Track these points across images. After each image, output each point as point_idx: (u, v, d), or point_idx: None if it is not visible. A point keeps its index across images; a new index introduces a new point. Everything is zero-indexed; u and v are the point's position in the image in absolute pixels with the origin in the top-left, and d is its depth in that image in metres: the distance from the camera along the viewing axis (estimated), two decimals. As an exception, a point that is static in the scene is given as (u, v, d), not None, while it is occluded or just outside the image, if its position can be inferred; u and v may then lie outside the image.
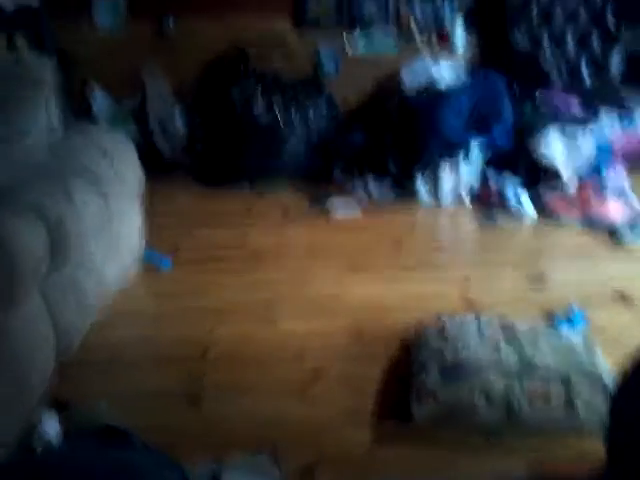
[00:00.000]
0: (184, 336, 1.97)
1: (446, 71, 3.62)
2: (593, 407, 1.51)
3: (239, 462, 1.33)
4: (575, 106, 3.33)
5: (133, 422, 1.44)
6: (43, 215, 1.72)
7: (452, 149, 3.23)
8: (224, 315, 2.10)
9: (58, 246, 1.72)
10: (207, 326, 2.02)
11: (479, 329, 1.79)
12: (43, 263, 1.65)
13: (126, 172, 2.36)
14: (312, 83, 3.68)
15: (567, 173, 3.11)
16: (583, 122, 3.20)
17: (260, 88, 3.53)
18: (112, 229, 2.23)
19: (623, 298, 2.23)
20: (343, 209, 3.13)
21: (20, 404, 1.54)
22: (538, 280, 2.39)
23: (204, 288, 2.30)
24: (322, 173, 3.53)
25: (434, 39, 3.90)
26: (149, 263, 2.46)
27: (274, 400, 1.66)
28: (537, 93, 3.43)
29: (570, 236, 2.85)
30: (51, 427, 1.49)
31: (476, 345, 1.70)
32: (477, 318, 1.88)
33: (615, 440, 0.80)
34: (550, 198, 3.08)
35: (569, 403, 1.51)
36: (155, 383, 1.73)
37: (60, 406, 1.58)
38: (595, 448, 1.48)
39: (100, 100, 3.97)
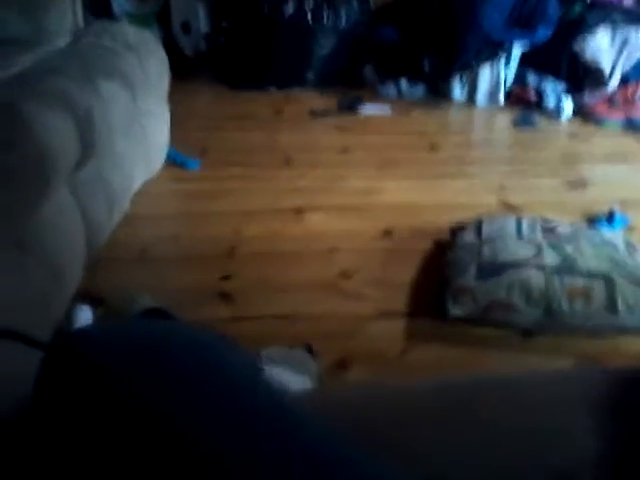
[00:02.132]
0: (212, 235, 1.94)
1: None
2: (635, 306, 1.47)
3: (276, 355, 1.32)
4: (629, 1, 3.11)
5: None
6: (71, 106, 1.66)
7: (493, 48, 3.06)
8: (252, 215, 2.07)
9: (86, 139, 1.67)
10: (235, 226, 1.98)
11: (518, 229, 1.74)
12: (72, 155, 1.62)
13: (153, 69, 2.28)
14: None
15: (613, 74, 2.95)
16: (637, 20, 3.00)
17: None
18: (140, 126, 2.18)
19: (666, 201, 2.15)
20: (374, 109, 3.03)
21: (55, 297, 1.54)
22: (578, 183, 2.30)
23: (232, 189, 2.25)
24: (353, 74, 3.40)
25: None
26: (176, 163, 2.42)
27: (305, 297, 1.64)
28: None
29: (611, 139, 2.74)
30: (87, 320, 1.50)
31: (515, 244, 1.65)
32: (516, 218, 1.81)
33: None
34: (592, 100, 2.93)
35: (610, 302, 1.47)
36: (185, 280, 1.72)
37: (93, 301, 1.58)
38: (637, 347, 1.46)
39: (121, 1, 3.83)
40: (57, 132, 1.52)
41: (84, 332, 0.55)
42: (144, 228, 1.98)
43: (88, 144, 1.69)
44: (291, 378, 1.22)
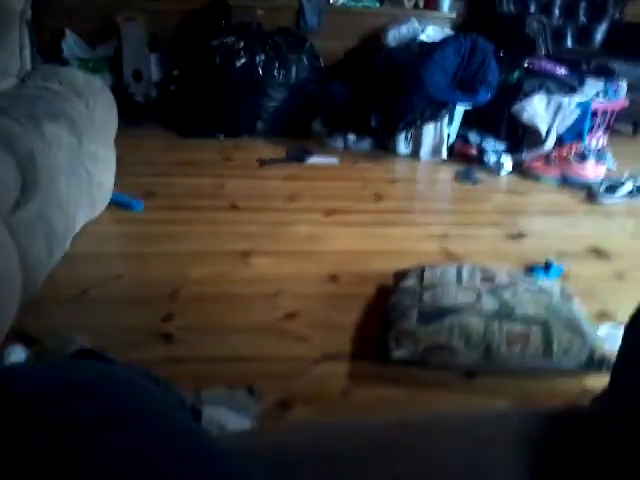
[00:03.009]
0: (155, 277, 1.91)
1: (432, 32, 3.57)
2: (571, 350, 1.51)
3: (217, 396, 1.29)
4: (562, 72, 3.31)
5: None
6: (13, 147, 1.64)
7: (437, 107, 3.19)
8: (197, 258, 2.06)
9: (27, 179, 1.65)
10: (179, 268, 1.97)
11: (458, 276, 1.78)
12: (11, 194, 1.59)
13: (100, 114, 2.28)
14: (295, 35, 3.59)
15: (549, 136, 3.11)
16: (569, 88, 3.18)
17: (242, 40, 3.43)
18: (84, 169, 2.16)
19: (598, 252, 2.25)
20: (322, 160, 3.10)
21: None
22: (516, 234, 2.38)
23: (177, 232, 2.24)
24: (301, 126, 3.47)
25: (421, 1, 3.85)
26: (120, 205, 2.39)
27: (248, 339, 1.63)
28: (526, 59, 3.38)
29: (548, 194, 2.86)
30: (19, 360, 1.44)
31: (455, 291, 1.69)
32: (457, 266, 1.86)
33: (623, 370, 0.78)
34: (530, 158, 3.07)
35: (547, 346, 1.51)
36: (126, 321, 1.68)
37: (27, 340, 1.52)
38: (571, 388, 1.50)
39: (72, 45, 3.84)
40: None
41: (8, 369, 0.53)
42: (85, 268, 1.94)
43: (29, 184, 1.66)
44: (230, 419, 1.19)
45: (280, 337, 1.65)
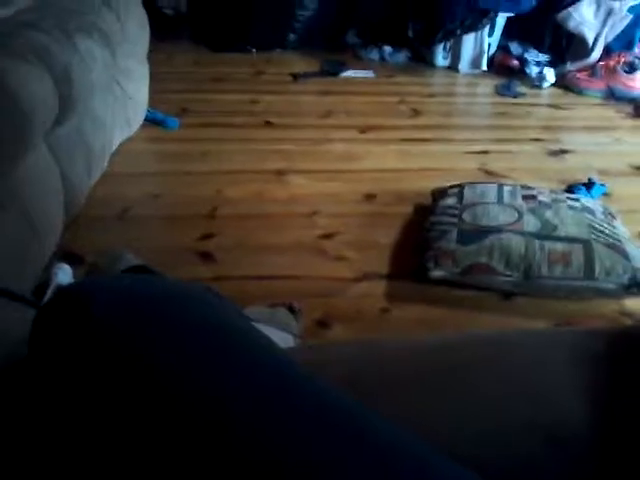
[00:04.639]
0: (193, 195, 1.92)
1: None
2: (613, 271, 1.49)
3: (258, 314, 1.31)
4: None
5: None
6: (49, 62, 1.62)
7: (477, 16, 3.04)
8: (233, 176, 2.05)
9: (65, 96, 1.63)
10: (216, 186, 1.97)
11: (500, 195, 1.75)
12: (50, 112, 1.58)
13: (132, 28, 2.23)
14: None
15: (596, 45, 2.95)
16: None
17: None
18: (119, 85, 2.14)
19: (643, 171, 2.18)
20: (357, 73, 3.01)
21: (33, 255, 1.51)
22: (558, 151, 2.32)
23: (212, 150, 2.23)
24: (335, 38, 3.36)
25: None
26: (156, 123, 2.38)
27: (286, 258, 1.64)
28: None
29: (592, 108, 2.75)
30: (66, 278, 1.48)
31: (496, 210, 1.66)
32: (497, 185, 1.82)
33: None
34: (574, 69, 2.94)
35: (589, 266, 1.49)
36: (165, 239, 1.70)
37: (73, 259, 1.56)
38: (612, 310, 1.49)
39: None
40: (35, 88, 1.48)
41: (84, 287, 0.52)
42: (124, 187, 1.95)
43: (67, 101, 1.65)
44: (274, 336, 1.22)
45: (318, 256, 1.66)
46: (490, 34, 3.09)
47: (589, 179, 2.02)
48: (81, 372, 0.46)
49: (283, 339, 1.22)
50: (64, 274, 1.49)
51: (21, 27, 1.77)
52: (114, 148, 2.09)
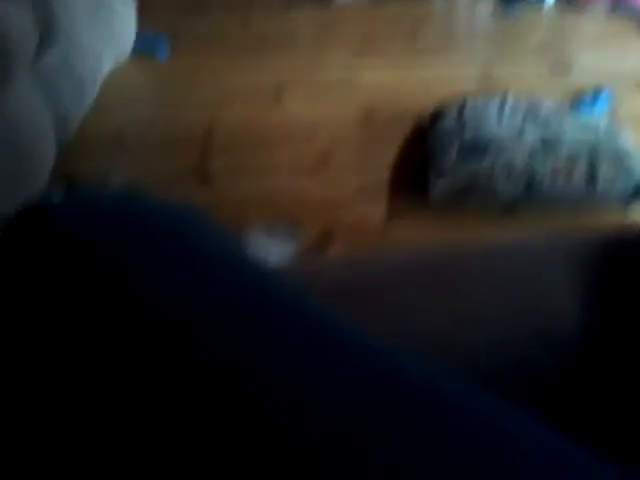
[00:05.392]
0: (187, 119, 1.88)
1: None
2: (616, 181, 1.47)
3: (258, 232, 1.30)
4: None
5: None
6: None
7: None
8: (228, 98, 2.00)
9: (45, 23, 1.58)
10: (211, 109, 1.92)
11: (502, 109, 1.70)
12: (30, 42, 1.52)
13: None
14: None
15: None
16: None
17: None
18: (103, 9, 2.06)
19: (650, 85, 2.13)
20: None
21: (25, 185, 1.49)
22: (562, 67, 2.25)
23: (205, 73, 2.16)
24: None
25: None
26: (145, 50, 2.30)
27: (286, 179, 1.62)
28: None
29: (596, 23, 2.66)
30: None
31: (498, 124, 1.63)
32: (500, 99, 1.77)
33: None
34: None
35: (591, 179, 1.47)
36: (162, 163, 1.67)
37: (67, 185, 1.53)
38: (616, 221, 1.47)
39: None
40: (11, 18, 1.43)
41: (50, 204, 0.47)
42: (116, 114, 1.91)
43: (47, 29, 1.59)
44: (274, 250, 1.21)
45: (317, 176, 1.64)
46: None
47: (594, 92, 1.97)
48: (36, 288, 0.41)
49: (282, 253, 1.21)
50: (59, 199, 1.47)
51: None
52: (104, 75, 2.03)
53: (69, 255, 0.41)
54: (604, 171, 1.49)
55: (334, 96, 2.03)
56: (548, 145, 1.54)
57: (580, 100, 1.96)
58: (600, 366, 0.60)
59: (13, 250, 0.43)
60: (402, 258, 0.79)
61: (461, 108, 1.74)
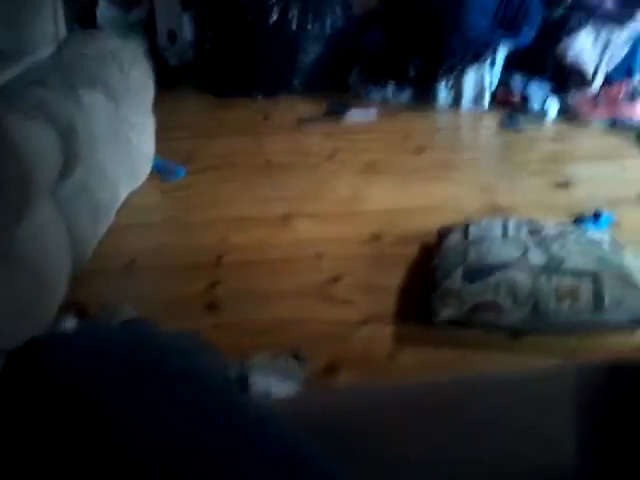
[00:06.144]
0: (198, 244, 1.94)
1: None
2: (623, 303, 1.47)
3: (262, 363, 1.31)
4: (610, 3, 3.13)
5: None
6: (53, 117, 1.66)
7: (477, 50, 3.07)
8: (239, 222, 2.06)
9: (69, 150, 1.67)
10: (222, 234, 1.98)
11: (504, 230, 1.74)
12: (54, 167, 1.61)
13: (137, 79, 2.27)
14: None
15: (597, 75, 2.97)
16: (618, 20, 3.01)
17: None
18: (124, 137, 2.17)
19: (651, 199, 2.17)
20: (360, 114, 3.04)
21: (39, 308, 1.53)
22: (564, 183, 2.31)
23: (218, 197, 2.25)
24: (339, 80, 3.40)
25: None
26: (162, 172, 2.41)
27: (293, 304, 1.64)
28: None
29: (596, 138, 2.75)
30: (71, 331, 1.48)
31: (501, 246, 1.65)
32: (503, 220, 1.82)
33: None
34: (577, 100, 2.95)
35: (598, 300, 1.47)
36: (172, 289, 1.71)
37: (78, 312, 1.57)
38: (624, 344, 1.47)
39: (105, 10, 3.82)
40: (38, 144, 1.52)
41: (44, 338, 0.55)
42: (130, 239, 1.97)
43: (71, 155, 1.68)
44: (277, 385, 1.21)
45: (324, 301, 1.66)
46: (491, 68, 3.11)
47: (596, 210, 2.01)
48: (28, 420, 0.47)
49: (286, 387, 1.21)
50: (70, 327, 1.50)
51: (28, 84, 1.82)
52: (121, 200, 2.11)
53: (52, 394, 0.47)
54: (610, 292, 1.49)
55: (342, 218, 2.09)
56: (552, 266, 1.56)
57: (582, 217, 1.99)
58: None
59: (9, 382, 0.50)
60: (404, 391, 0.80)
61: (466, 229, 1.78)
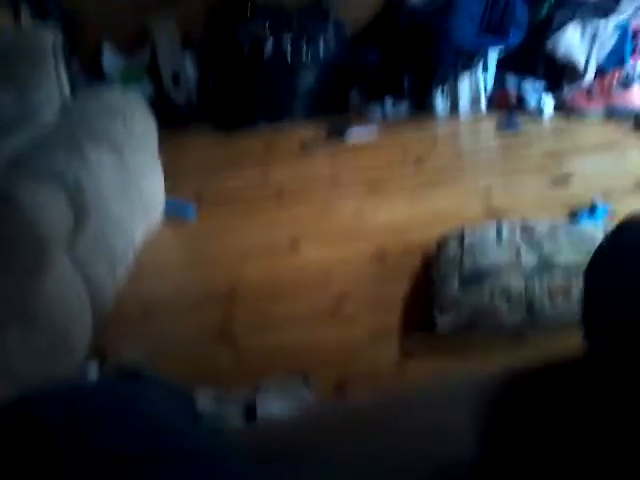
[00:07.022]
0: (212, 280, 2.03)
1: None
2: (615, 296, 1.51)
3: (271, 386, 1.39)
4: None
5: (171, 367, 1.54)
6: (60, 178, 1.77)
7: (468, 57, 3.13)
8: (250, 254, 2.15)
9: (77, 207, 1.77)
10: (234, 266, 2.07)
11: (498, 235, 1.79)
12: (65, 226, 1.71)
13: (140, 126, 2.39)
14: (318, 10, 3.58)
15: (588, 67, 3.00)
16: (604, 10, 3.05)
17: (266, 25, 3.47)
18: (132, 184, 2.28)
19: (650, 186, 2.19)
20: (361, 132, 3.11)
21: (63, 360, 1.63)
22: (562, 178, 2.35)
23: (229, 230, 2.34)
24: (339, 101, 3.49)
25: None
26: (173, 212, 2.51)
27: (304, 328, 1.72)
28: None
29: (593, 129, 2.78)
30: (94, 378, 1.59)
31: (494, 251, 1.71)
32: (497, 224, 1.87)
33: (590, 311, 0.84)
34: (571, 94, 2.98)
35: (591, 295, 1.51)
36: (189, 328, 1.80)
37: (100, 358, 1.67)
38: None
39: (110, 58, 3.97)
40: (47, 206, 1.62)
41: (31, 396, 0.60)
42: (147, 281, 2.07)
43: (80, 211, 1.78)
44: (284, 409, 1.29)
45: (332, 320, 1.74)
46: (485, 72, 3.17)
47: (592, 203, 2.05)
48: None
49: (290, 409, 1.29)
50: (92, 373, 1.61)
51: (35, 150, 1.94)
52: (137, 245, 2.21)
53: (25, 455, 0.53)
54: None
55: (347, 237, 2.17)
56: (543, 265, 1.61)
57: (578, 211, 2.03)
58: None
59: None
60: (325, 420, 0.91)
61: (461, 237, 1.84)
